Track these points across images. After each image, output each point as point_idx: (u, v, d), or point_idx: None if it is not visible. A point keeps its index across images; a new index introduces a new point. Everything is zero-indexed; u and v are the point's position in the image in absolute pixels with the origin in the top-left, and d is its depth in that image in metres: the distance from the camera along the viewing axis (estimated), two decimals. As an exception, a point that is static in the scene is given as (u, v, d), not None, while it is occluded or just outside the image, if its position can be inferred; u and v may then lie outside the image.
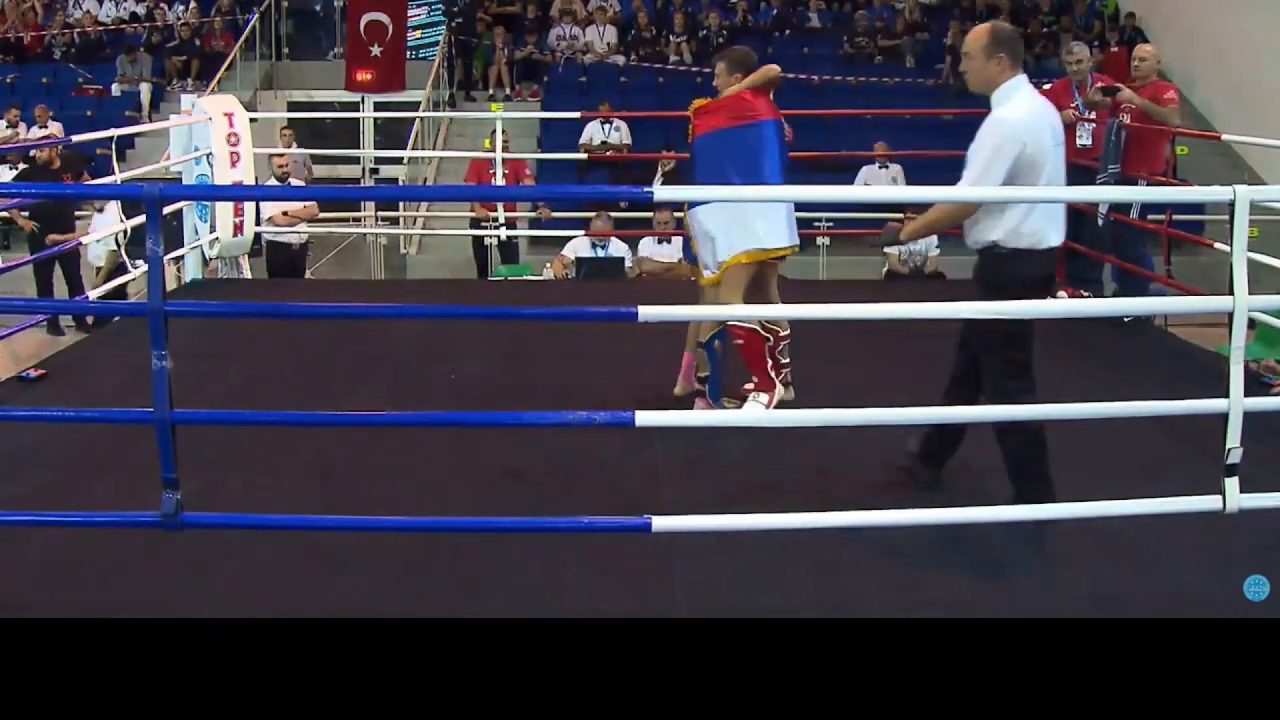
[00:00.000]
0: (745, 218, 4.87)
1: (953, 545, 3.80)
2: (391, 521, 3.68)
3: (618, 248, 9.62)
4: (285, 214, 9.36)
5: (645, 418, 3.64)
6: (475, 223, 10.46)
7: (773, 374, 5.01)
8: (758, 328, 4.94)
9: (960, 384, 4.12)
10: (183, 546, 3.62)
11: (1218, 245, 5.98)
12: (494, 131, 9.70)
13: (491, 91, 15.40)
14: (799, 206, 5.77)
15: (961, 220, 4.00)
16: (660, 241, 9.59)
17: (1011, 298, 3.76)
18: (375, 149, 15.09)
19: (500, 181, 9.38)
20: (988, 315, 3.73)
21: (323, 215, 10.46)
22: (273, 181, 9.63)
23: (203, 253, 8.15)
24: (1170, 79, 8.70)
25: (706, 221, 4.94)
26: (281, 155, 10.00)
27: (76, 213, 10.22)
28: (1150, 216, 7.34)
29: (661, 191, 4.51)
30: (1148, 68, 7.25)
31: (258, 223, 8.77)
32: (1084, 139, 7.71)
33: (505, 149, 9.65)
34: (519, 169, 10.59)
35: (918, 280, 9.82)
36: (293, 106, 15.53)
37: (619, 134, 12.83)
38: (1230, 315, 3.51)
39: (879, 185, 11.35)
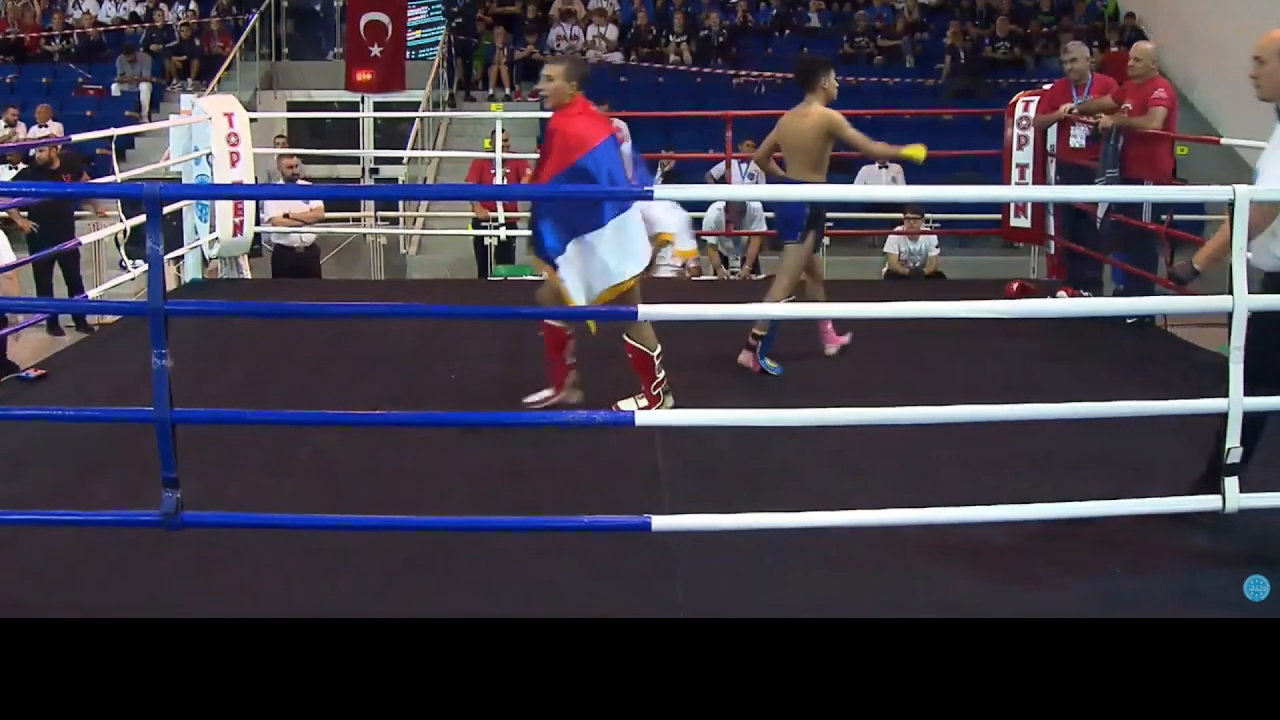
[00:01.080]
0: (594, 258, 4.84)
1: (953, 545, 3.79)
2: (391, 521, 3.68)
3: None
4: (286, 216, 9.33)
5: (645, 417, 3.65)
6: (476, 223, 10.46)
7: (657, 391, 5.11)
8: (643, 346, 5.07)
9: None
10: (183, 546, 3.62)
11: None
12: (494, 131, 9.69)
13: (491, 91, 15.40)
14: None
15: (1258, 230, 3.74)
16: (660, 241, 9.56)
17: None
18: (375, 149, 15.09)
19: (501, 181, 9.37)
20: (987, 314, 3.72)
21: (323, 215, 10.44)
22: (279, 182, 9.62)
23: (203, 253, 8.15)
24: (1170, 79, 8.69)
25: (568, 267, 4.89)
26: (290, 156, 9.99)
27: (76, 213, 10.19)
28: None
29: (661, 191, 4.51)
30: (1143, 66, 7.22)
31: (258, 223, 8.77)
32: (1078, 140, 7.71)
33: (505, 149, 9.64)
34: (521, 169, 10.58)
35: (917, 280, 9.82)
36: (292, 106, 15.51)
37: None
38: (1230, 315, 3.51)
39: (878, 185, 11.34)
